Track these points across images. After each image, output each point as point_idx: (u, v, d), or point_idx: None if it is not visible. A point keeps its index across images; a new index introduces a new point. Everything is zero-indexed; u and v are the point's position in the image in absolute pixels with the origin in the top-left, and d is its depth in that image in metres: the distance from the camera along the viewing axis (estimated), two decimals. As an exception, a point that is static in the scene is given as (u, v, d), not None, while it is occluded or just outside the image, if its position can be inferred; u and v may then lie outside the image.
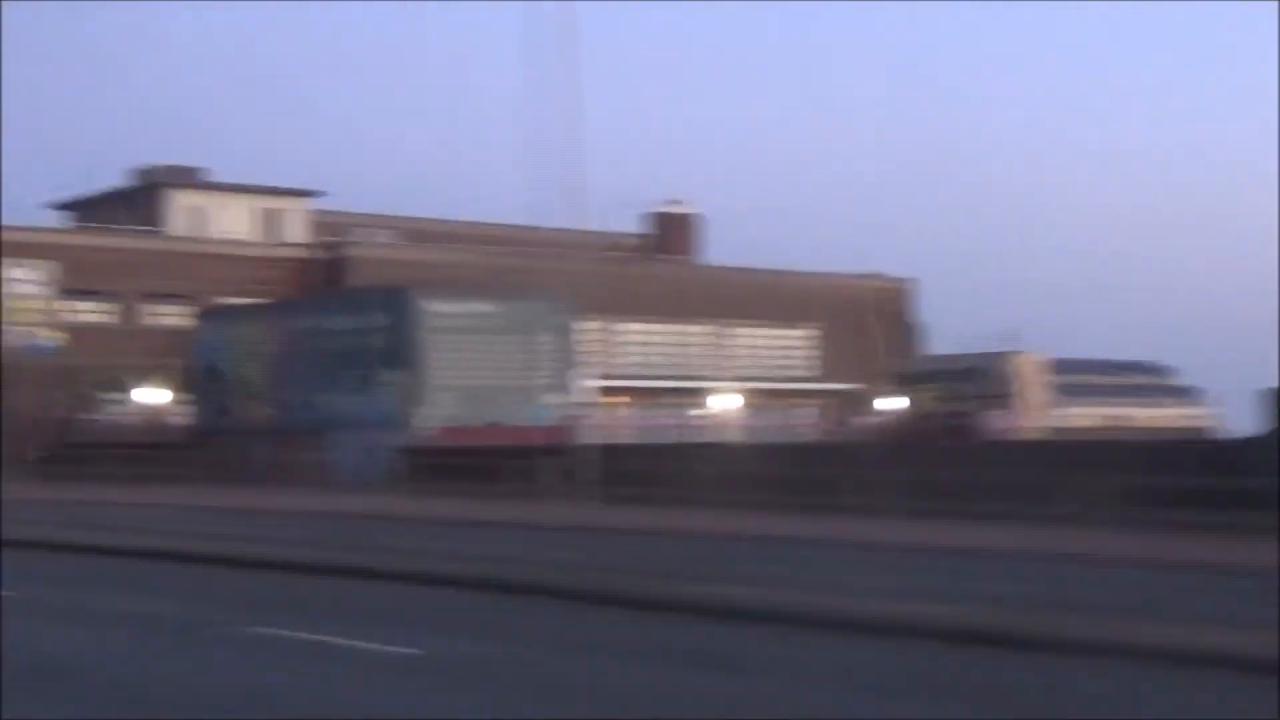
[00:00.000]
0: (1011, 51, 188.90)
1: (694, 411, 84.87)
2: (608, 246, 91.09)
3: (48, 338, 76.62)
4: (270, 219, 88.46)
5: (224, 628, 18.53)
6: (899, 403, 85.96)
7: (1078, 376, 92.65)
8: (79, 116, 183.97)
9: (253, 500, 41.22)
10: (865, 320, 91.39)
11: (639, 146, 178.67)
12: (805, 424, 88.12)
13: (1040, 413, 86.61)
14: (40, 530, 33.16)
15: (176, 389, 71.90)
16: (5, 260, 75.78)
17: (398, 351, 57.73)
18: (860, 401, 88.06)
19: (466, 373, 58.16)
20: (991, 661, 15.51)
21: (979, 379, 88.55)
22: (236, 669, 15.65)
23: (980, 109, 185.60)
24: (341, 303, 65.90)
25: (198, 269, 79.53)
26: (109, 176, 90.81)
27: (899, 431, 79.02)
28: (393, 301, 59.80)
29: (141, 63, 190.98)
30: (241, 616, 19.50)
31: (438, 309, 58.96)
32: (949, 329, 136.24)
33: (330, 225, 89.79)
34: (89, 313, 78.55)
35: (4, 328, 75.52)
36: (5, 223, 77.90)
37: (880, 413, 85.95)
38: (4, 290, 75.81)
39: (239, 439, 61.30)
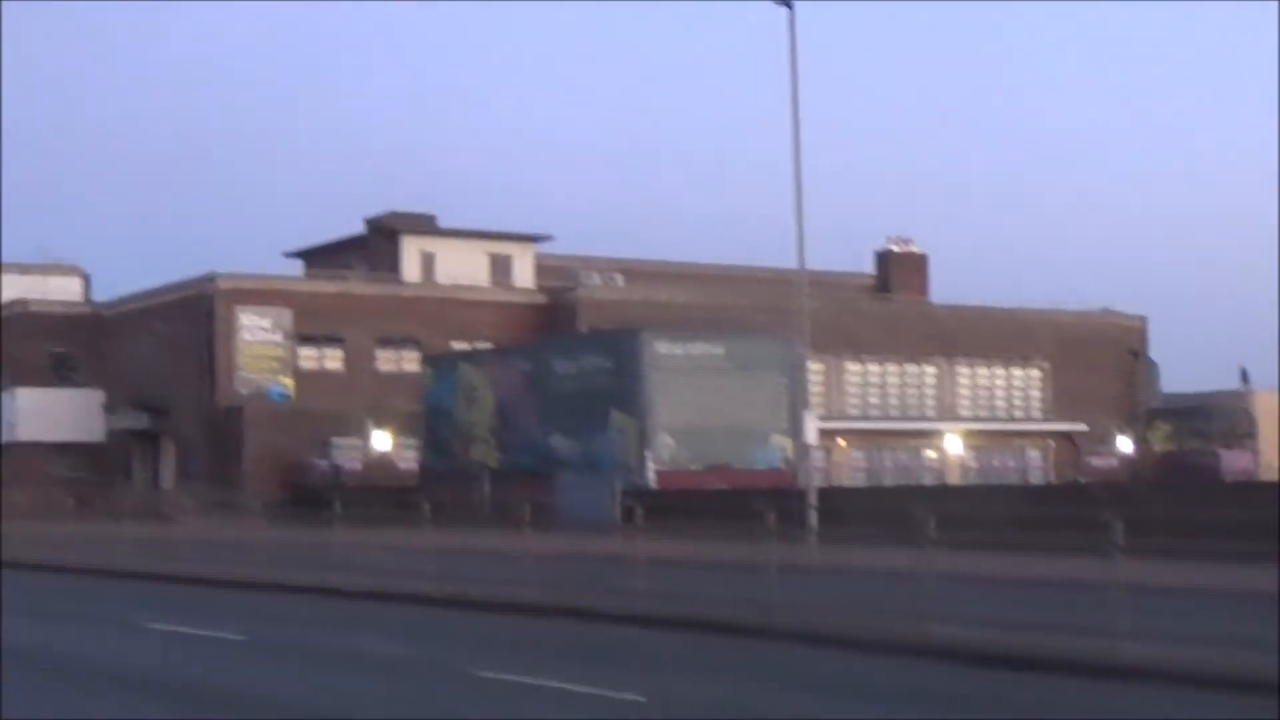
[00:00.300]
0: (1234, 87, 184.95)
1: (921, 452, 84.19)
2: (833, 285, 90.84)
3: (280, 384, 78.29)
4: (499, 264, 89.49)
5: (453, 670, 18.72)
6: (1132, 442, 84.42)
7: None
8: (313, 166, 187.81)
9: (479, 542, 41.56)
10: (1096, 358, 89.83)
11: (861, 183, 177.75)
12: (1033, 464, 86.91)
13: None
14: (276, 571, 33.83)
15: (405, 432, 73.00)
16: (239, 307, 77.70)
17: (625, 393, 57.97)
18: (1091, 441, 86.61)
19: (694, 414, 58.20)
20: None
21: (1216, 418, 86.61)
22: (466, 713, 15.79)
23: (1209, 138, 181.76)
24: (568, 346, 66.39)
25: (428, 314, 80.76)
26: (342, 225, 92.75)
27: (1132, 472, 77.56)
28: (620, 344, 60.10)
29: (373, 111, 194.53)
30: (470, 659, 19.68)
31: (665, 350, 59.10)
32: (1180, 366, 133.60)
33: (557, 269, 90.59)
34: (321, 359, 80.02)
35: (239, 375, 77.37)
36: (240, 270, 79.99)
37: (1113, 452, 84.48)
38: (241, 337, 77.69)
39: (466, 481, 61.93)
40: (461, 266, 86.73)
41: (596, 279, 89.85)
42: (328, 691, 17.39)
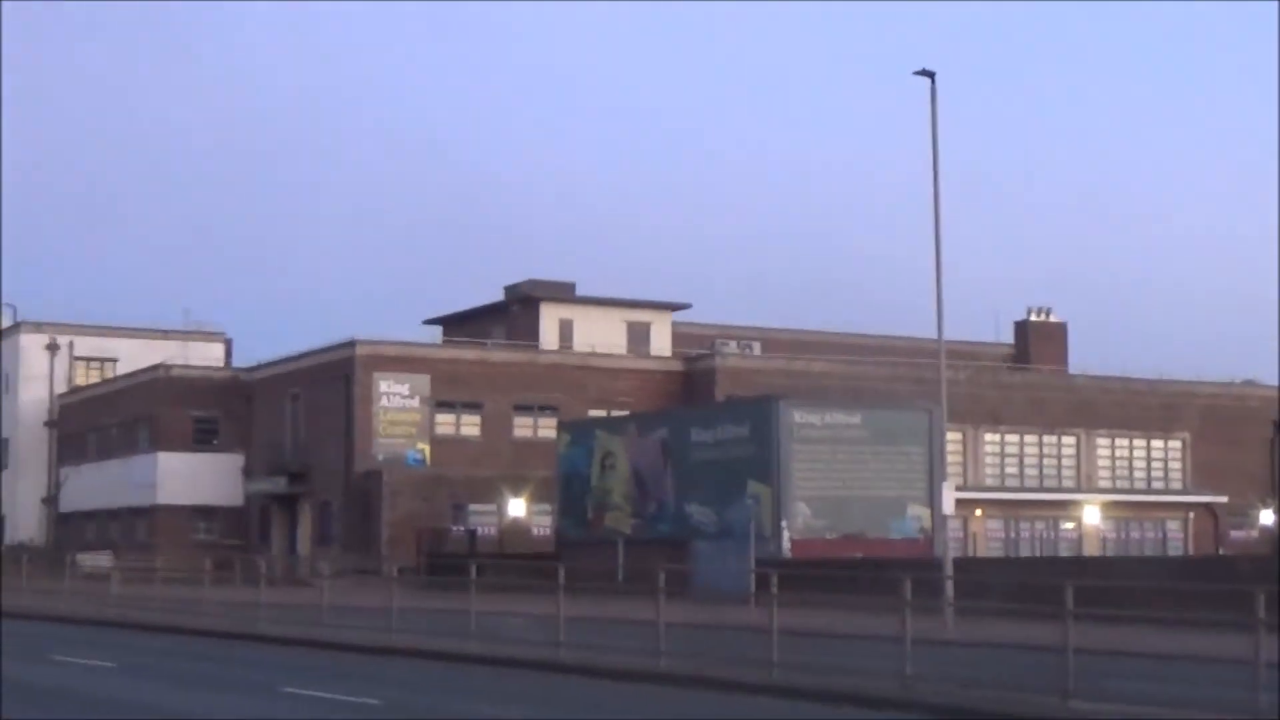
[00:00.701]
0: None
1: (1059, 523, 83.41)
2: (972, 355, 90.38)
3: (417, 449, 78.91)
4: (636, 331, 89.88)
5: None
6: (1274, 515, 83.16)
7: None
8: (453, 234, 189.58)
9: (614, 610, 41.61)
10: (1237, 429, 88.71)
11: (1003, 253, 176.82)
12: (1173, 536, 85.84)
13: None
14: (413, 638, 34.08)
15: (540, 499, 73.31)
16: (378, 374, 78.50)
17: (761, 462, 57.94)
18: (1232, 513, 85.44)
19: (830, 483, 58.08)
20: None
21: None
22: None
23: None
24: (705, 414, 66.46)
25: (565, 380, 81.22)
26: (481, 293, 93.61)
27: (1274, 544, 76.28)
28: (756, 412, 60.11)
29: (514, 179, 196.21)
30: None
31: (801, 419, 59.04)
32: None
33: (694, 337, 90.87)
34: (459, 425, 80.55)
35: (376, 440, 78.10)
36: (380, 337, 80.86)
37: (1254, 525, 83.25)
38: (379, 404, 78.46)
39: (602, 548, 62.08)
40: (599, 334, 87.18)
41: (733, 347, 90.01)
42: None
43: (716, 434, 60.86)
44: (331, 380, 79.93)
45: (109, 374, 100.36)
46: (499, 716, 21.56)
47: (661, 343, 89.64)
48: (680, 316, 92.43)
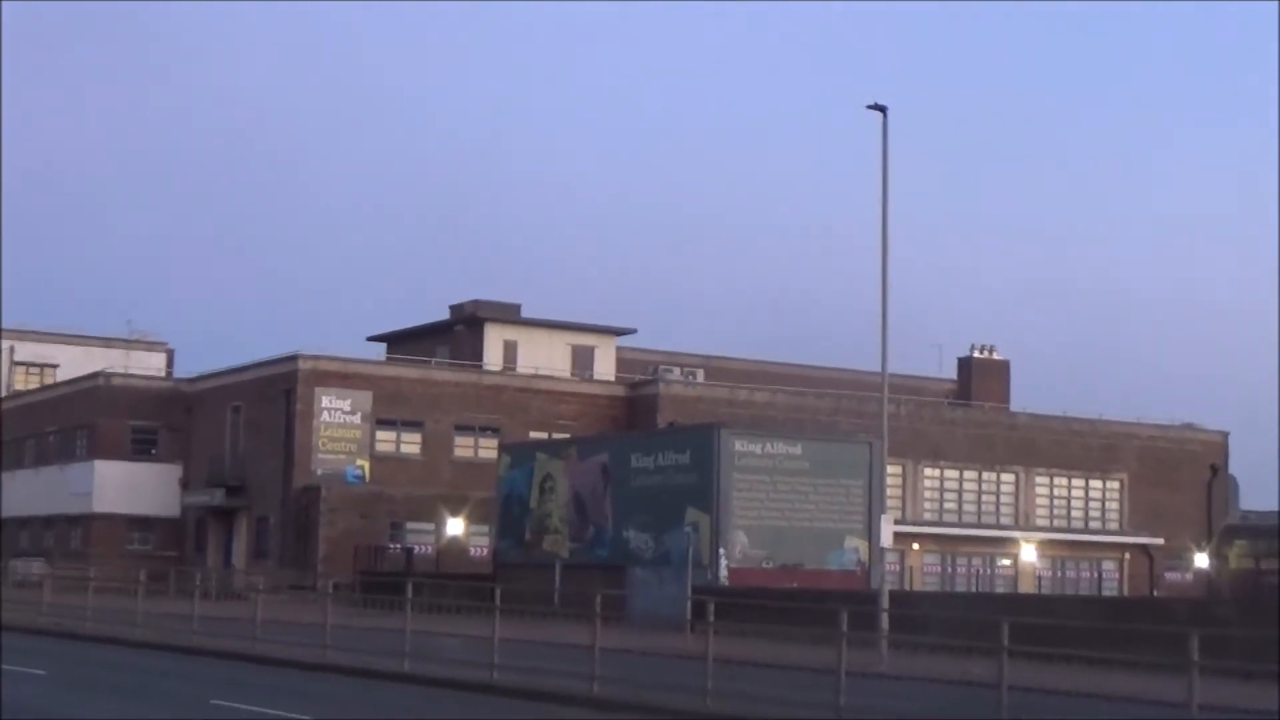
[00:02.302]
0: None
1: (995, 560, 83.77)
2: (914, 390, 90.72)
3: (358, 467, 78.67)
4: (581, 355, 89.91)
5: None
6: (1210, 558, 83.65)
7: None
8: (399, 252, 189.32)
9: (550, 633, 41.61)
10: (1176, 472, 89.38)
11: (946, 289, 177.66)
12: (1108, 576, 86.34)
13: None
14: (346, 655, 34.01)
15: (478, 519, 73.17)
16: (320, 389, 78.19)
17: (701, 489, 57.98)
18: (1167, 555, 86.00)
19: (769, 513, 58.12)
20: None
21: None
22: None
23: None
24: (646, 440, 66.46)
25: (508, 402, 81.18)
26: (426, 311, 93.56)
27: (1209, 588, 76.73)
28: (697, 439, 60.12)
29: (460, 199, 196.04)
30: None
31: (742, 448, 59.06)
32: (1262, 482, 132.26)
33: (638, 363, 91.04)
34: (399, 443, 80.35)
35: (316, 455, 77.79)
36: (323, 352, 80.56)
37: (1189, 568, 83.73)
38: (320, 419, 78.15)
39: (539, 571, 62.00)
40: (543, 357, 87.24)
41: (677, 374, 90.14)
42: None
43: (657, 460, 60.84)
44: (273, 394, 79.61)
45: (49, 380, 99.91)
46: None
47: (605, 367, 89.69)
48: (624, 341, 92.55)
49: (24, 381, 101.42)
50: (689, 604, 52.19)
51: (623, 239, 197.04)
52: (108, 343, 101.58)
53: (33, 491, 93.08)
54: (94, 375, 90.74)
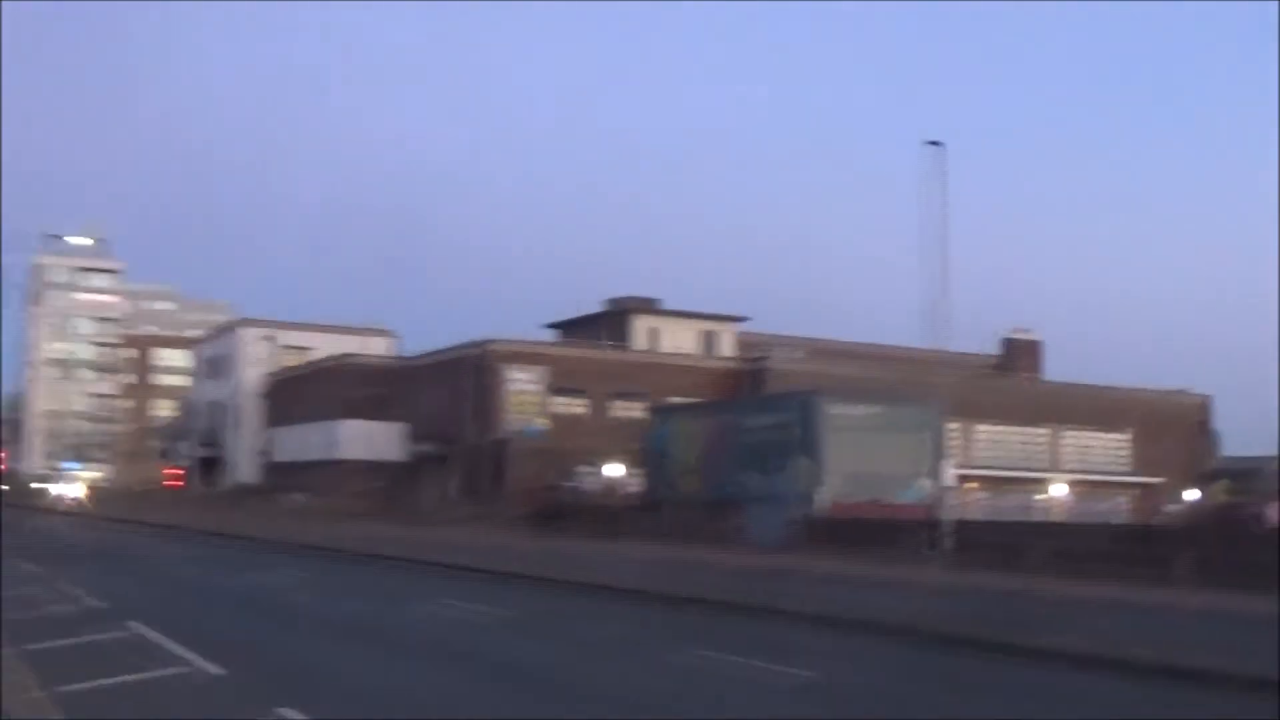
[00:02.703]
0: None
1: (1034, 496, 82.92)
2: (963, 365, 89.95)
3: (539, 424, 79.16)
4: (707, 339, 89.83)
5: (663, 650, 18.92)
6: (1197, 494, 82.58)
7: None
8: (568, 256, 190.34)
9: (687, 554, 41.84)
10: (1171, 427, 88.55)
11: (990, 275, 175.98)
12: (1120, 509, 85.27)
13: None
14: (531, 567, 34.33)
15: (632, 465, 73.38)
16: (507, 365, 78.84)
17: (803, 442, 57.85)
18: (1166, 492, 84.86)
19: (856, 460, 57.80)
20: None
21: (1264, 477, 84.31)
22: (671, 682, 16.02)
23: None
24: (760, 404, 66.37)
25: (652, 376, 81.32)
26: (587, 304, 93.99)
27: (1197, 517, 75.53)
28: (800, 403, 59.97)
29: (615, 212, 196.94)
30: (677, 642, 19.87)
31: (835, 410, 58.79)
32: (1240, 433, 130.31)
33: (753, 343, 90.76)
34: (569, 406, 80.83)
35: (506, 416, 78.43)
36: (510, 336, 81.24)
37: (1182, 502, 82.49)
38: (508, 388, 78.83)
39: (678, 506, 62.12)
40: (678, 340, 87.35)
41: (782, 353, 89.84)
42: (565, 659, 17.69)
43: (768, 420, 60.74)
44: (472, 369, 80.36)
45: (306, 360, 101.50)
46: (591, 633, 21.72)
47: (727, 347, 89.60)
48: (742, 327, 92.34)
49: (290, 361, 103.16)
50: (793, 531, 52.19)
51: (743, 243, 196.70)
52: (349, 330, 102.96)
53: (297, 443, 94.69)
54: (339, 356, 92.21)
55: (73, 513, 72.40)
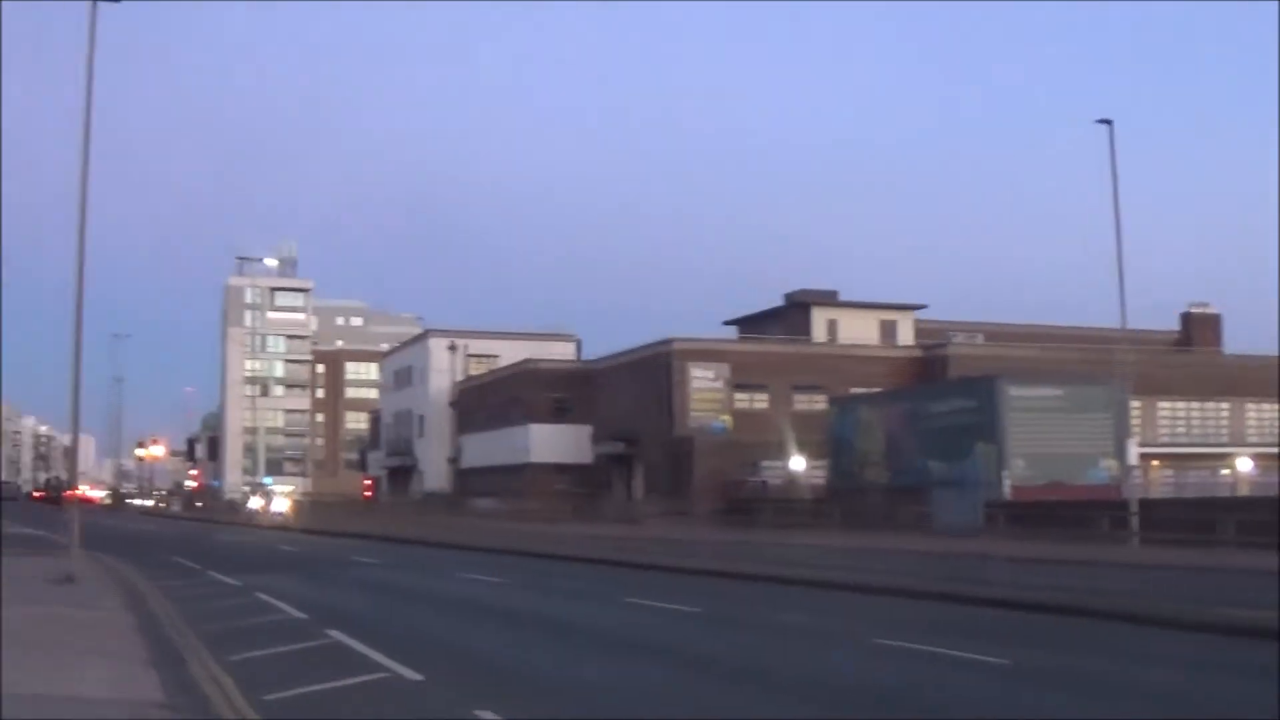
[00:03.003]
0: None
1: (1219, 471, 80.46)
2: (1145, 340, 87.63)
3: (722, 421, 79.13)
4: (886, 328, 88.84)
5: (855, 638, 18.71)
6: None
7: None
8: (744, 252, 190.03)
9: (872, 542, 41.42)
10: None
11: (1168, 247, 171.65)
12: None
13: None
14: (719, 562, 34.25)
15: (815, 458, 72.94)
16: (689, 363, 78.97)
17: (985, 426, 56.97)
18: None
19: (1039, 443, 56.80)
20: None
21: None
22: (865, 670, 15.82)
23: None
24: (941, 390, 65.57)
25: (832, 368, 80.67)
26: (764, 299, 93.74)
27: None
28: (981, 388, 59.09)
29: (791, 206, 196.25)
30: (868, 630, 19.65)
31: (1016, 393, 57.85)
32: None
33: (931, 331, 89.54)
34: (751, 402, 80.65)
35: (689, 414, 78.55)
36: (689, 334, 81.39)
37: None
38: (691, 386, 78.95)
39: (863, 495, 61.68)
40: (857, 330, 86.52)
41: (961, 339, 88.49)
42: (760, 652, 17.59)
43: (950, 405, 60.00)
44: (655, 368, 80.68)
45: (492, 366, 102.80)
46: (781, 622, 21.53)
47: (906, 336, 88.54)
48: (921, 315, 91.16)
49: (476, 369, 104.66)
50: (981, 515, 51.42)
51: (921, 230, 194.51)
52: (532, 337, 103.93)
53: (485, 449, 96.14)
54: (523, 361, 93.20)
55: (276, 526, 74.29)
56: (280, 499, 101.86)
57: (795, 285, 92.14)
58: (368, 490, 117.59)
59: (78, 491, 44.84)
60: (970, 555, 32.14)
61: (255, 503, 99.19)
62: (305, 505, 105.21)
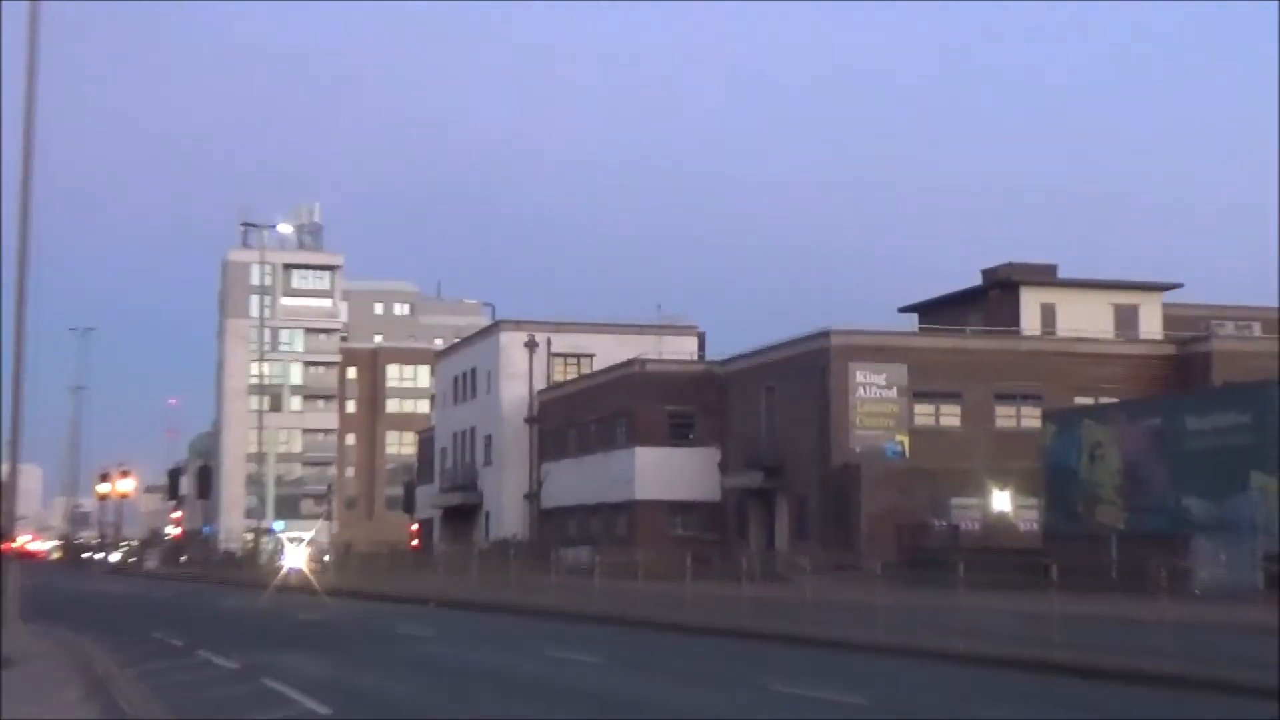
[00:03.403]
0: None
1: None
2: None
3: (896, 442, 78.76)
4: (1124, 314, 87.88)
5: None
6: None
7: None
8: (926, 222, 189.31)
9: (1108, 608, 40.99)
10: None
11: None
12: None
13: None
14: (896, 635, 34.06)
15: (1024, 492, 72.26)
16: (853, 364, 78.59)
17: (1264, 451, 56.05)
18: None
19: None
20: None
21: None
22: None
23: None
24: (1200, 400, 64.64)
25: (1048, 368, 79.92)
26: (957, 279, 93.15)
27: None
28: (1259, 398, 58.15)
29: (983, 166, 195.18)
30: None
31: (1307, 406, 56.87)
32: None
33: (1187, 319, 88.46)
34: (937, 415, 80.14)
35: (854, 433, 78.19)
36: (853, 327, 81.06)
37: None
38: (854, 395, 78.55)
39: (1091, 544, 60.99)
40: (1084, 318, 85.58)
41: (1230, 329, 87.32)
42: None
43: (1214, 422, 59.11)
44: (806, 371, 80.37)
45: (585, 370, 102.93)
46: (993, 718, 21.35)
47: (1151, 325, 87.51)
48: (1171, 297, 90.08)
49: (563, 373, 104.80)
50: (1261, 573, 50.65)
51: (1166, 188, 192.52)
52: (640, 330, 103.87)
53: (576, 480, 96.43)
54: (629, 363, 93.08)
55: (290, 586, 75.10)
56: (296, 549, 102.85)
57: (998, 258, 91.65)
58: (415, 538, 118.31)
59: (15, 544, 45.59)
60: (1247, 628, 31.65)
61: (295, 554, 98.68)
62: (332, 557, 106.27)
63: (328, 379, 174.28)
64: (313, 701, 22.90)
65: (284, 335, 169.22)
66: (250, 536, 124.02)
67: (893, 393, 78.91)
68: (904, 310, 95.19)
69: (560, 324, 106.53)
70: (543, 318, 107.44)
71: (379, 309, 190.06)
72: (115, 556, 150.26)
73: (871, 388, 78.72)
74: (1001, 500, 73.21)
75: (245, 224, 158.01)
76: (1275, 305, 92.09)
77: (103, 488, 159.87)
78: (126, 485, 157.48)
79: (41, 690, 23.41)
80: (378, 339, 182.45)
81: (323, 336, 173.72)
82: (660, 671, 29.25)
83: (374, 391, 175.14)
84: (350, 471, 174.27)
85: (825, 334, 79.81)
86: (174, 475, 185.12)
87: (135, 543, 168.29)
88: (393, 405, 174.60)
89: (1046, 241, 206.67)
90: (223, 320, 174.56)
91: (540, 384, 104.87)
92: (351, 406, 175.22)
